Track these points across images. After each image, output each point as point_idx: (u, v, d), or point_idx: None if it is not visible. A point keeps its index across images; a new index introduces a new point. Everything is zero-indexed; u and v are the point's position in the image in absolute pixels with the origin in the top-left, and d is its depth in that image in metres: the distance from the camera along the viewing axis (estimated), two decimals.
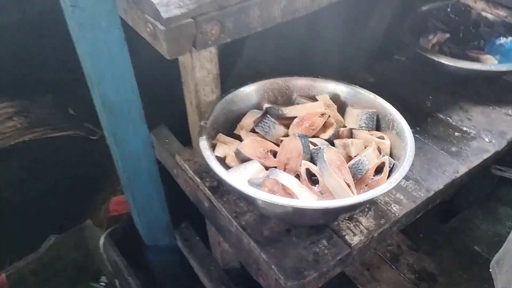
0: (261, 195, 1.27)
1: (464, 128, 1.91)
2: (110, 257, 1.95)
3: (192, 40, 1.06)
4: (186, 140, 1.63)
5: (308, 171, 1.43)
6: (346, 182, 1.37)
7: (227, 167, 1.48)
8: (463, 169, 1.75)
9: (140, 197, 1.82)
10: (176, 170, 1.82)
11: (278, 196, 1.28)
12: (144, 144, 1.86)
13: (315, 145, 1.54)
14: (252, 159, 1.47)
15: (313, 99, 1.76)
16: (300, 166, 1.45)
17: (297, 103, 1.75)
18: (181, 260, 2.29)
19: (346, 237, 1.46)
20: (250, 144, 1.50)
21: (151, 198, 1.84)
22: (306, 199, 1.35)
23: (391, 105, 1.63)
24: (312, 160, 1.50)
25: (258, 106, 1.74)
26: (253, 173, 1.43)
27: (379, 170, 1.45)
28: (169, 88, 1.72)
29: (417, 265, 2.26)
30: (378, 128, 1.66)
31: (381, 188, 1.31)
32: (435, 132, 1.93)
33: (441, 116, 2.01)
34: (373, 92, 1.68)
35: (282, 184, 1.38)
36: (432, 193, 1.63)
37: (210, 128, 1.54)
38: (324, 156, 1.38)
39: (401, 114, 1.58)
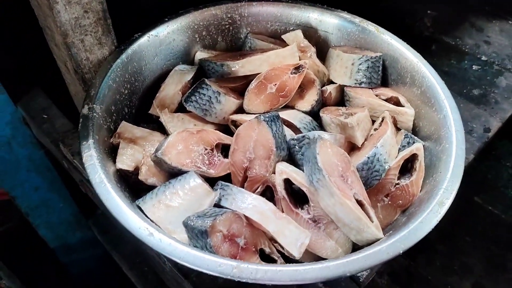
0: (212, 266, 0.64)
1: (484, 58, 1.33)
2: None
3: None
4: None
5: (286, 183, 0.81)
6: (357, 200, 0.77)
7: (142, 187, 0.82)
8: (495, 124, 1.19)
9: (26, 191, 1.45)
10: (66, 164, 1.14)
11: (248, 261, 0.67)
12: (8, 122, 1.26)
13: (295, 130, 0.90)
14: (185, 170, 0.81)
15: (276, 38, 1.08)
16: (273, 173, 0.82)
17: (251, 49, 1.06)
18: (104, 256, 1.75)
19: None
20: (178, 141, 0.82)
21: (41, 189, 1.47)
22: (296, 245, 0.74)
23: (404, 43, 0.99)
24: (291, 158, 0.86)
25: (186, 59, 1.04)
26: (190, 201, 0.78)
27: (405, 166, 0.86)
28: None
29: None
30: (385, 83, 1.03)
31: (427, 216, 0.72)
32: (445, 67, 1.34)
33: (448, 40, 1.40)
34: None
35: (247, 219, 0.76)
36: None
37: (102, 115, 0.84)
38: (318, 159, 0.75)
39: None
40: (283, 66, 0.96)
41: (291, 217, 0.80)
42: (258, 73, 0.96)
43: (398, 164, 0.84)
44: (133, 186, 0.85)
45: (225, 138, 0.89)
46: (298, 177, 0.80)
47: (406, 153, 0.84)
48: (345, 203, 0.74)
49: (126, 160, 0.83)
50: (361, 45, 1.05)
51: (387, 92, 0.99)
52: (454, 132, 0.83)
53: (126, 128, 0.88)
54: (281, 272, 0.66)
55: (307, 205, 0.81)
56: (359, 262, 0.66)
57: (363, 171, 0.82)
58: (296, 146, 0.85)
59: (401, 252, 0.68)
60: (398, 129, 0.95)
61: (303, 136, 0.85)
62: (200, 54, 1.05)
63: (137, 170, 0.83)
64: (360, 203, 0.78)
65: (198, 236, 0.73)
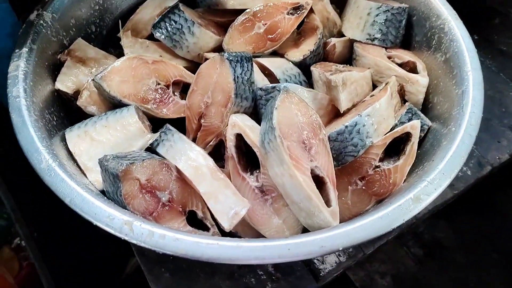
0: (101, 215, 0.52)
1: None
2: None
3: None
4: None
5: (239, 139, 0.66)
6: (317, 176, 0.60)
7: (79, 115, 0.72)
8: None
9: None
10: None
11: (162, 222, 0.55)
12: (10, 34, 1.14)
13: (275, 81, 0.74)
14: (126, 103, 0.69)
15: None
16: (227, 125, 0.67)
17: None
18: None
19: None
20: (125, 68, 0.70)
21: None
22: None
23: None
24: (256, 111, 0.71)
25: None
26: (119, 138, 0.66)
27: (395, 146, 0.67)
28: None
29: None
30: (406, 45, 0.82)
31: (392, 211, 0.54)
32: (504, 46, 1.10)
33: None
34: None
35: (179, 172, 0.63)
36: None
37: (54, 26, 0.74)
38: (274, 115, 0.59)
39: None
40: (280, 3, 0.79)
41: (235, 181, 0.66)
42: (250, 8, 0.80)
43: (384, 142, 0.65)
44: (77, 114, 0.74)
45: (188, 76, 0.75)
46: (252, 135, 0.65)
47: (397, 130, 0.65)
48: (295, 176, 0.58)
49: (67, 80, 0.72)
50: None
51: (404, 55, 0.78)
52: (468, 113, 0.63)
53: (80, 46, 0.77)
54: (182, 242, 0.52)
55: (258, 171, 0.66)
56: (271, 249, 0.51)
57: (336, 141, 0.65)
58: (262, 98, 0.69)
59: (339, 249, 0.52)
60: (405, 101, 0.75)
61: (273, 87, 0.69)
62: None
63: (77, 94, 0.72)
64: (320, 180, 0.62)
65: (111, 180, 0.61)
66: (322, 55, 0.83)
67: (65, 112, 0.73)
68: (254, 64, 0.75)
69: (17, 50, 0.68)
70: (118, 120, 0.67)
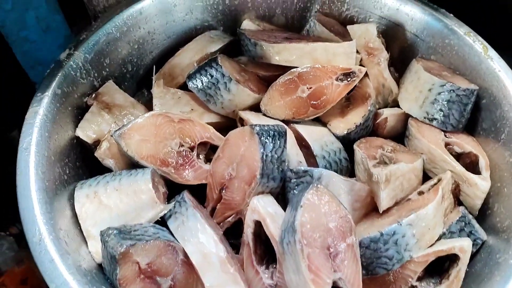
0: None
1: None
2: None
3: None
4: None
5: (258, 226, 0.59)
6: None
7: (97, 164, 0.67)
8: None
9: None
10: None
11: None
12: (61, 45, 1.12)
13: (310, 156, 0.67)
14: (144, 165, 0.63)
15: (346, 21, 0.82)
16: (248, 205, 0.60)
17: (308, 33, 0.82)
18: None
19: None
20: (147, 126, 0.64)
21: None
22: None
23: None
24: (283, 195, 0.63)
25: (230, 25, 0.85)
26: (129, 206, 0.60)
27: (439, 263, 0.57)
28: None
29: None
30: (471, 129, 0.72)
31: None
32: None
33: None
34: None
35: (185, 255, 0.56)
36: None
37: (85, 66, 0.70)
38: (298, 214, 0.51)
39: None
40: (330, 67, 0.71)
41: (248, 273, 0.58)
42: (296, 67, 0.72)
43: (426, 259, 0.55)
44: (95, 162, 0.69)
45: (216, 139, 0.69)
46: (272, 226, 0.57)
47: (442, 248, 0.55)
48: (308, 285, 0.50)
49: (88, 128, 0.67)
50: (456, 67, 0.73)
51: (466, 144, 0.68)
52: None
53: (109, 89, 0.72)
54: None
55: (274, 266, 0.58)
56: None
57: (369, 249, 0.56)
58: (291, 181, 0.61)
59: None
60: (458, 202, 0.65)
61: (305, 171, 0.60)
62: (247, 24, 0.84)
63: (97, 143, 0.67)
64: None
65: (109, 259, 0.55)
66: (371, 127, 0.73)
67: (82, 161, 0.68)
68: (290, 134, 0.68)
69: (39, 94, 0.64)
70: (131, 184, 0.61)
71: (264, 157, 0.60)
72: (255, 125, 0.61)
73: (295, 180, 0.61)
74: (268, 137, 0.60)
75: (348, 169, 0.69)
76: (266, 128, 0.61)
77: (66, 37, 1.23)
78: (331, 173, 0.61)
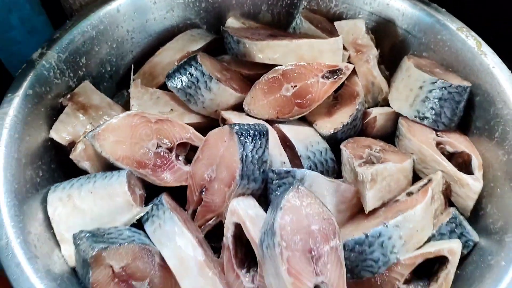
0: None
1: None
2: None
3: None
4: None
5: (238, 228, 0.56)
6: None
7: (73, 167, 0.64)
8: None
9: None
10: None
11: None
12: None
13: (295, 157, 0.63)
14: (120, 167, 0.60)
15: (334, 18, 0.79)
16: (228, 206, 0.57)
17: (295, 31, 0.79)
18: None
19: None
20: (122, 127, 0.61)
21: None
22: None
23: None
24: (266, 196, 0.60)
25: (214, 23, 0.82)
26: (103, 209, 0.57)
27: (428, 265, 0.54)
28: None
29: None
30: (464, 127, 0.69)
31: None
32: None
33: None
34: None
35: (161, 258, 0.53)
36: None
37: (59, 66, 0.68)
38: (277, 216, 0.48)
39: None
40: (315, 64, 0.68)
41: (228, 276, 0.56)
42: (281, 65, 0.69)
43: (413, 262, 0.52)
44: (70, 165, 0.66)
45: (197, 139, 0.66)
46: (252, 229, 0.54)
47: (431, 250, 0.52)
48: None
49: (62, 130, 0.65)
50: (449, 64, 0.71)
51: (458, 144, 0.65)
52: None
53: (86, 90, 0.69)
54: None
55: (255, 270, 0.55)
56: None
57: (353, 252, 0.53)
58: (273, 183, 0.58)
59: None
60: (450, 203, 0.61)
61: (288, 172, 0.57)
62: (231, 22, 0.81)
63: (72, 145, 0.65)
64: None
65: (81, 262, 0.53)
66: (359, 127, 0.70)
67: (57, 163, 0.65)
68: (274, 134, 0.65)
69: (9, 95, 0.61)
70: (106, 187, 0.58)
71: (244, 157, 0.57)
72: (234, 124, 0.58)
73: (277, 181, 0.58)
74: (248, 137, 0.57)
75: (335, 170, 0.66)
76: (246, 127, 0.58)
77: None
78: (315, 174, 0.57)
